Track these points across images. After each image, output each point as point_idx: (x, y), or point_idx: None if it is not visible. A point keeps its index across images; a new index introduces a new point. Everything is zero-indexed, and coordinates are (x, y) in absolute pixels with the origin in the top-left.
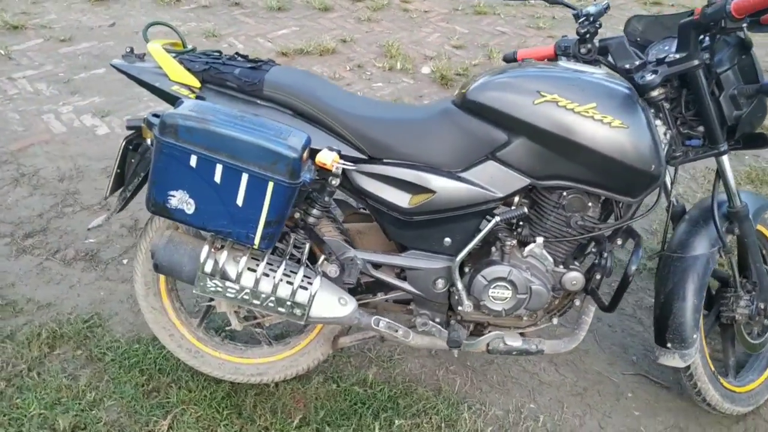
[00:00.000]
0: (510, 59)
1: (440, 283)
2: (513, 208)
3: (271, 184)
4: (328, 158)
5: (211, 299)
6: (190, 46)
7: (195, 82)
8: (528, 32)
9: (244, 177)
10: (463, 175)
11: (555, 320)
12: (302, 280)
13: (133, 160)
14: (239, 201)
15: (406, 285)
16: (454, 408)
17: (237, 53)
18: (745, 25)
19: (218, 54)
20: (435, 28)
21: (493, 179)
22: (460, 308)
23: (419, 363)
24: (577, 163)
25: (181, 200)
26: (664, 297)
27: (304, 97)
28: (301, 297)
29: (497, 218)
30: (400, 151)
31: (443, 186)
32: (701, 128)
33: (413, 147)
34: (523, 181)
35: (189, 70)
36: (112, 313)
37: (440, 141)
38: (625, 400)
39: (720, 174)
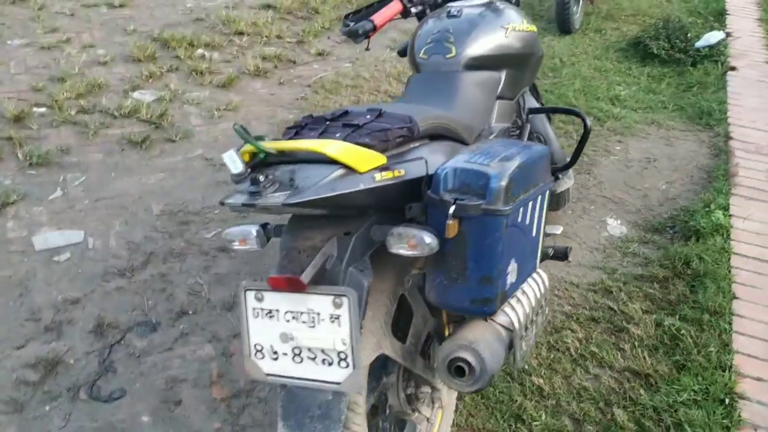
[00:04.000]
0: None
1: None
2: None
3: (546, 194)
4: None
5: None
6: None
7: (381, 158)
8: None
9: (537, 201)
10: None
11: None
12: None
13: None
14: (533, 232)
15: None
16: None
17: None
18: None
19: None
20: None
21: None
22: None
23: None
24: (529, 70)
25: (512, 270)
26: None
27: (434, 118)
28: None
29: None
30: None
31: None
32: None
33: (469, 121)
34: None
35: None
36: None
37: (474, 104)
38: None
39: None
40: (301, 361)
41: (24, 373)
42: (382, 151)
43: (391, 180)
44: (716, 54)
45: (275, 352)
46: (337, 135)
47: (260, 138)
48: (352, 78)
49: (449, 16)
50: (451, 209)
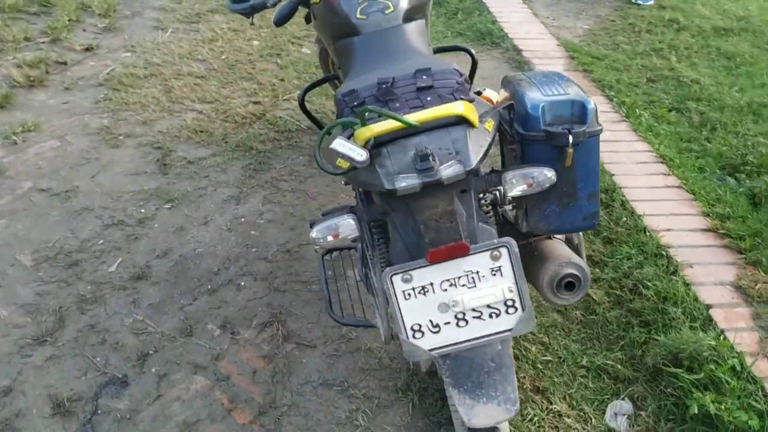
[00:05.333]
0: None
1: None
2: None
3: None
4: None
5: None
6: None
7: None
8: None
9: None
10: None
11: None
12: None
13: None
14: None
15: None
16: None
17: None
18: None
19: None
20: None
21: None
22: None
23: None
24: (428, 17)
25: None
26: None
27: None
28: None
29: None
30: None
31: None
32: None
33: None
34: None
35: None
36: None
37: (429, 52)
38: None
39: None
40: (466, 324)
41: None
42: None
43: (492, 129)
44: None
45: (436, 325)
46: (429, 98)
47: (352, 122)
48: (144, 67)
49: None
50: (570, 138)
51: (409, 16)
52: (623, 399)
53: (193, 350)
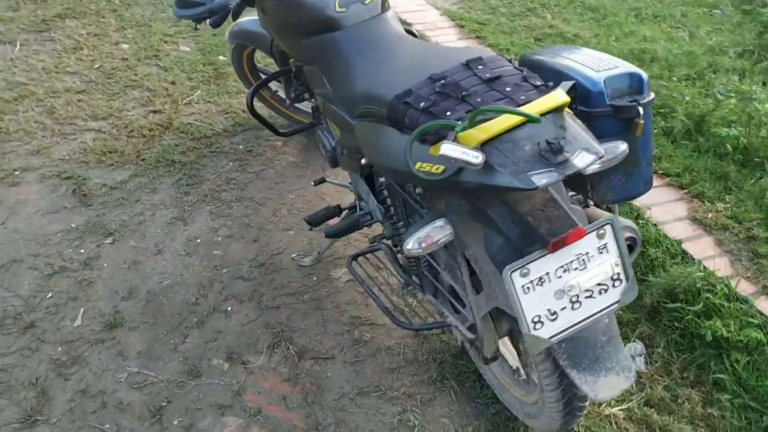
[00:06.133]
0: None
1: None
2: None
3: None
4: None
5: None
6: None
7: None
8: None
9: None
10: None
11: None
12: None
13: None
14: None
15: None
16: None
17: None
18: None
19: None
20: None
21: None
22: None
23: None
24: None
25: None
26: None
27: None
28: None
29: None
30: None
31: None
32: None
33: None
34: None
35: None
36: None
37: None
38: None
39: None
40: (580, 305)
41: None
42: None
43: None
44: None
45: (553, 313)
46: (508, 89)
47: (451, 125)
48: (9, 89)
49: None
50: (641, 110)
51: (384, 4)
52: (634, 341)
53: (209, 391)
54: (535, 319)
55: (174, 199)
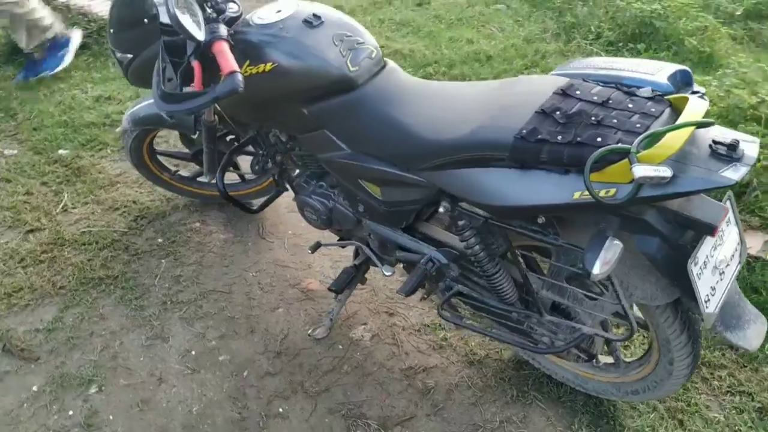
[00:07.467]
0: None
1: None
2: None
3: None
4: None
5: None
6: None
7: None
8: None
9: None
10: None
11: None
12: None
13: None
14: None
15: None
16: None
17: None
18: None
19: None
20: None
21: None
22: None
23: None
24: None
25: None
26: None
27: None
28: None
29: None
30: None
31: None
32: None
33: None
34: None
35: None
36: None
37: None
38: None
39: None
40: (723, 274)
41: None
42: None
43: None
44: None
45: (713, 288)
46: (630, 105)
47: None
48: None
49: (311, 26)
50: (706, 98)
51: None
52: None
53: None
54: (707, 298)
55: (132, 318)
